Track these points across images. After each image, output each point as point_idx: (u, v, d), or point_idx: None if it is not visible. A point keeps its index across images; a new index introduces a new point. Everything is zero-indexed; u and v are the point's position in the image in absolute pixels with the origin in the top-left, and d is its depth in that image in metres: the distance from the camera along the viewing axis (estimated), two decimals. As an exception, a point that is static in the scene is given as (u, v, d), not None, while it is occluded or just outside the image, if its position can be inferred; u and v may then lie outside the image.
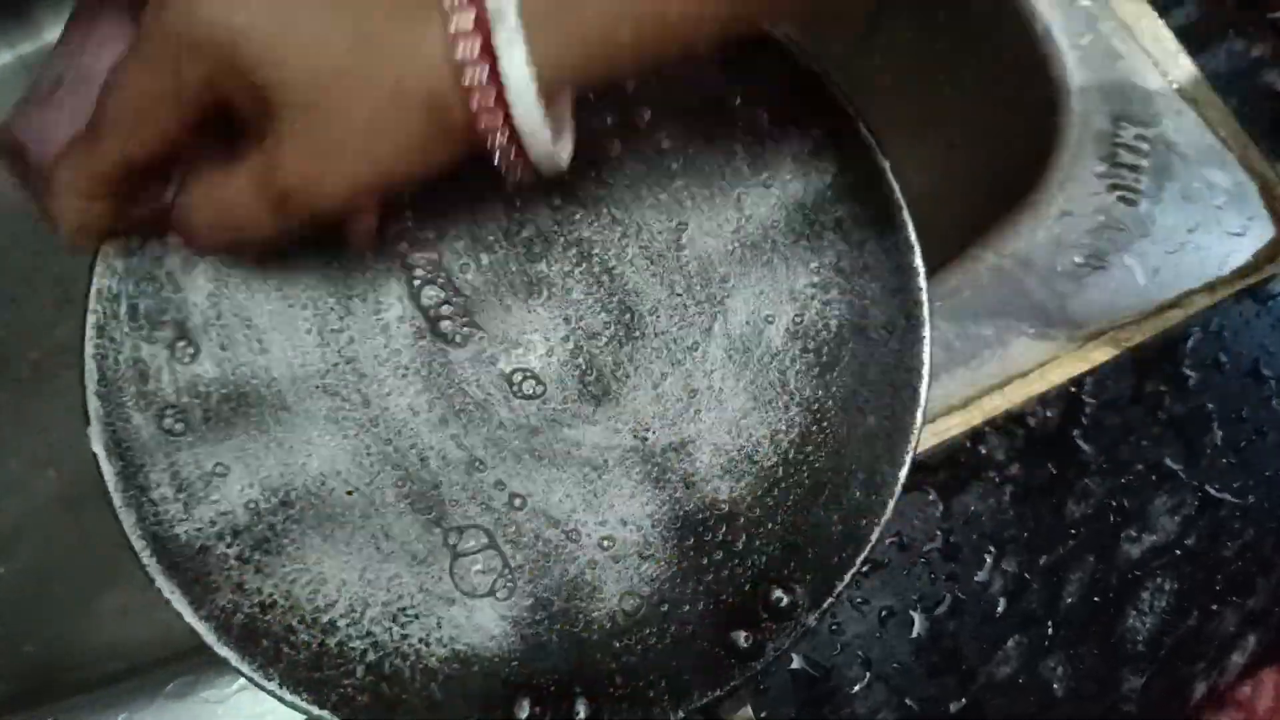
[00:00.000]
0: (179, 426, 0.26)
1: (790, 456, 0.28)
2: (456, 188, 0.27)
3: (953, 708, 0.39)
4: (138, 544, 0.25)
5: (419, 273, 0.29)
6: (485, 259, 0.29)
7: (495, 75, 0.20)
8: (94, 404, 0.26)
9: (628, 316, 0.29)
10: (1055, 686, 0.40)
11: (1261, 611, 0.42)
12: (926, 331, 0.28)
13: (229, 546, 0.26)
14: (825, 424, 0.28)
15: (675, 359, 0.29)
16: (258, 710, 0.37)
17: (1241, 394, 0.44)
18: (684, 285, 0.29)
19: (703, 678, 0.26)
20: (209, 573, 0.26)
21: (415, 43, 0.21)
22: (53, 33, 0.52)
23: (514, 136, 0.22)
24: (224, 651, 0.25)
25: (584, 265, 0.29)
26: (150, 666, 0.38)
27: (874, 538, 0.27)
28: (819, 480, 0.28)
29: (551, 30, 0.21)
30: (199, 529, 0.26)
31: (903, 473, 0.28)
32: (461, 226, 0.29)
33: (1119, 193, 0.46)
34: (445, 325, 0.28)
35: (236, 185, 0.23)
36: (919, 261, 0.29)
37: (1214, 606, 0.42)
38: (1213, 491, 0.43)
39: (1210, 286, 0.45)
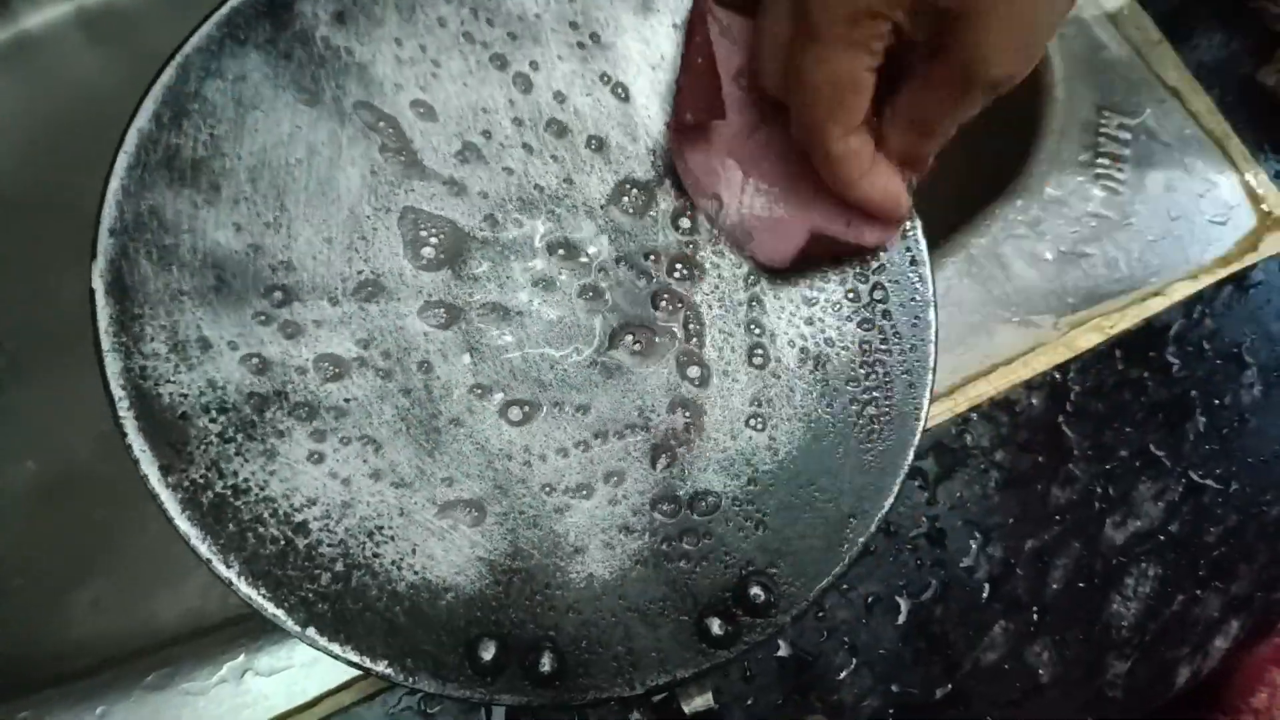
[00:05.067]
0: (187, 286, 0.25)
1: (785, 466, 0.28)
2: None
3: (938, 693, 0.39)
4: (117, 392, 0.24)
5: (467, 208, 0.28)
6: (528, 205, 0.29)
7: None
8: (104, 241, 0.25)
9: (651, 301, 0.29)
10: (1040, 672, 0.40)
11: (1244, 597, 0.42)
12: (929, 379, 0.30)
13: (212, 421, 0.25)
14: (823, 443, 0.29)
15: (690, 357, 0.29)
16: (238, 702, 0.36)
17: (1224, 380, 0.45)
18: (720, 297, 0.30)
19: (671, 657, 0.26)
20: (185, 443, 0.24)
21: None
22: (29, 20, 0.51)
23: None
24: (185, 527, 0.24)
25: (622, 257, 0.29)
26: (127, 658, 0.37)
27: (854, 555, 0.28)
28: (809, 493, 0.28)
29: None
30: (185, 394, 0.25)
31: (888, 502, 0.28)
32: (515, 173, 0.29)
33: (1102, 181, 0.46)
34: (473, 264, 0.28)
35: (936, 97, 0.25)
36: (933, 316, 0.30)
37: (1198, 592, 0.42)
38: (1196, 478, 0.43)
39: (1193, 274, 0.46)
